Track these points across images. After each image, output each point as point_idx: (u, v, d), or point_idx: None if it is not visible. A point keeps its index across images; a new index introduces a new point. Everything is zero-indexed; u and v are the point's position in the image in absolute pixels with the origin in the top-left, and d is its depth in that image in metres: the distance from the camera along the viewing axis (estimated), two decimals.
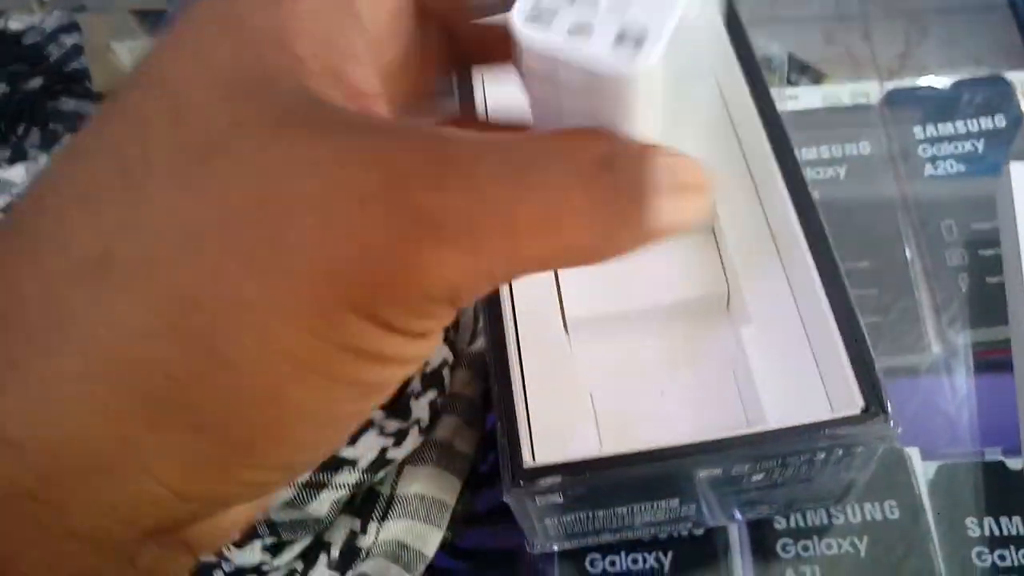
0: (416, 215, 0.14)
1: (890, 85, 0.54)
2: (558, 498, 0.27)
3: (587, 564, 0.36)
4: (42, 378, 0.13)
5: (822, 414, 0.29)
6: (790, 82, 0.56)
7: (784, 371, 0.30)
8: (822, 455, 0.27)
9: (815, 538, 0.38)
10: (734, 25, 0.36)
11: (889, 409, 0.26)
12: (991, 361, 0.44)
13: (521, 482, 0.26)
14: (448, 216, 0.14)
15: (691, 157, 0.17)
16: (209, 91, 0.15)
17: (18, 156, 0.43)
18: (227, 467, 0.15)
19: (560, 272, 0.34)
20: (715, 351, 0.34)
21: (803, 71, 0.61)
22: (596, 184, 0.15)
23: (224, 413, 0.14)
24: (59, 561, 0.14)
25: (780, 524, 0.37)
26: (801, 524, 0.37)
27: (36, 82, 0.46)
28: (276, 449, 0.15)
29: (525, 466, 0.27)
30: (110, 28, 0.55)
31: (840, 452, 0.27)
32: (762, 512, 0.33)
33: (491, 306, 0.31)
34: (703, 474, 0.27)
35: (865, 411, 0.26)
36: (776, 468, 0.28)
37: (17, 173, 0.39)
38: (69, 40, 0.47)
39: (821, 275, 0.29)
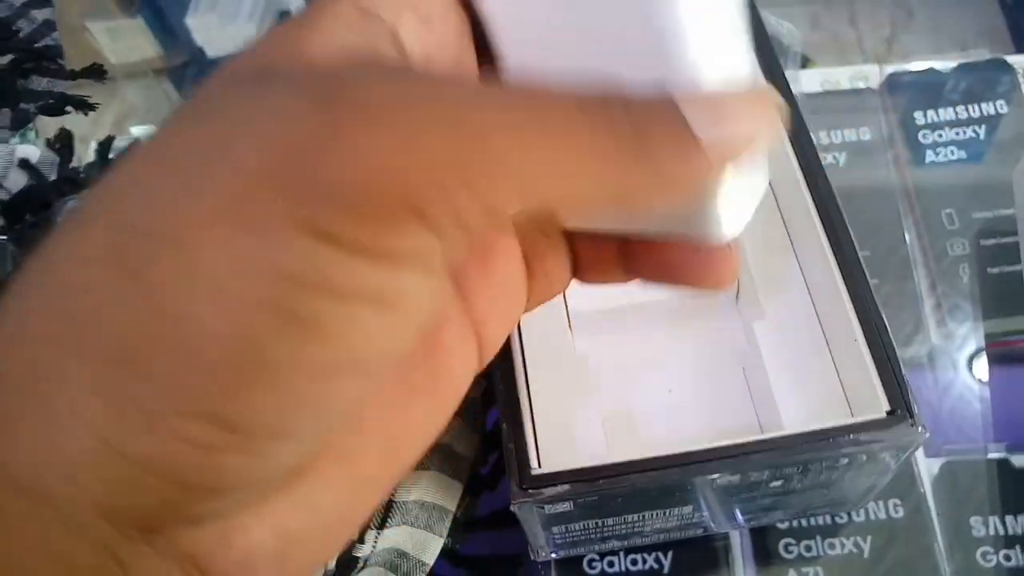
0: (345, 94, 0.13)
1: (889, 69, 0.52)
2: (568, 506, 0.26)
3: (585, 566, 0.35)
4: None
5: (840, 416, 0.28)
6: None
7: (799, 369, 0.29)
8: (844, 461, 0.26)
9: (818, 538, 0.37)
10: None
11: (916, 412, 0.25)
12: (1000, 353, 0.43)
13: (529, 490, 0.25)
14: (378, 92, 0.13)
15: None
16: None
17: None
18: (161, 413, 0.13)
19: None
20: (724, 347, 0.32)
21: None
22: (608, 112, 0.14)
23: (147, 347, 0.13)
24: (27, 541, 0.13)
25: (783, 524, 0.36)
26: (804, 524, 0.36)
27: (4, 59, 0.43)
28: (221, 402, 0.13)
29: (533, 473, 0.25)
30: (85, 6, 0.53)
31: (864, 458, 0.26)
32: (776, 518, 0.32)
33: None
34: (720, 481, 0.26)
35: (891, 414, 0.25)
36: (796, 475, 0.26)
37: None
38: (40, 15, 0.44)
39: (841, 268, 0.28)
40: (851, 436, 0.25)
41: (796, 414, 0.28)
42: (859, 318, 0.27)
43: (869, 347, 0.26)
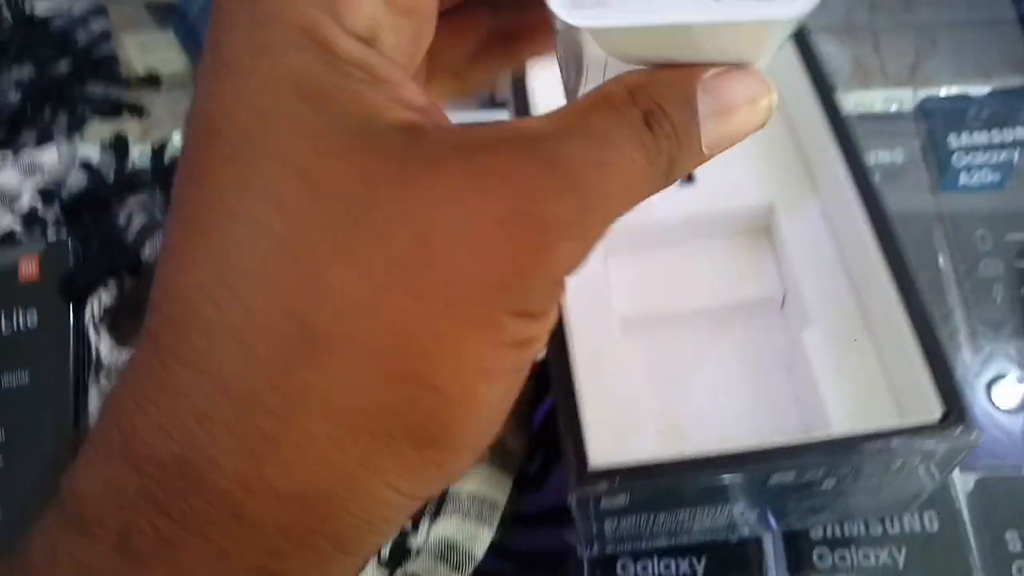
0: (542, 223, 0.16)
1: (923, 93, 0.53)
2: (624, 500, 0.26)
3: (619, 569, 0.35)
4: (296, 444, 0.16)
5: (890, 419, 0.28)
6: None
7: (848, 375, 0.29)
8: (898, 463, 0.26)
9: (852, 548, 0.37)
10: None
11: (969, 415, 0.25)
12: None
13: (588, 483, 0.26)
14: (565, 216, 0.17)
15: (742, 71, 0.19)
16: (319, 150, 0.16)
17: (45, 138, 0.42)
18: (445, 468, 0.17)
19: (612, 272, 0.33)
20: (769, 353, 0.33)
21: None
22: (649, 142, 0.18)
23: (439, 428, 0.17)
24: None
25: (816, 533, 0.36)
26: (838, 534, 0.36)
27: (63, 66, 0.45)
28: (474, 442, 0.18)
29: (592, 466, 0.26)
30: (120, 19, 0.54)
31: (917, 460, 0.26)
32: (822, 520, 0.32)
33: None
34: (775, 480, 0.26)
35: (945, 418, 0.26)
36: (849, 475, 0.27)
37: (49, 157, 0.38)
38: (98, 25, 0.45)
39: (893, 274, 0.28)
40: (906, 437, 0.25)
41: (845, 418, 0.28)
42: (911, 321, 0.27)
43: (922, 349, 0.27)
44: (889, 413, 0.28)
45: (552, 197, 0.16)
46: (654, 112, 0.18)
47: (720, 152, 0.19)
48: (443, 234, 0.16)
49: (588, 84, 0.19)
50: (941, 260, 0.47)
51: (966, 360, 0.44)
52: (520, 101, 0.34)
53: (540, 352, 0.19)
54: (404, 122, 0.17)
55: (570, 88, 0.20)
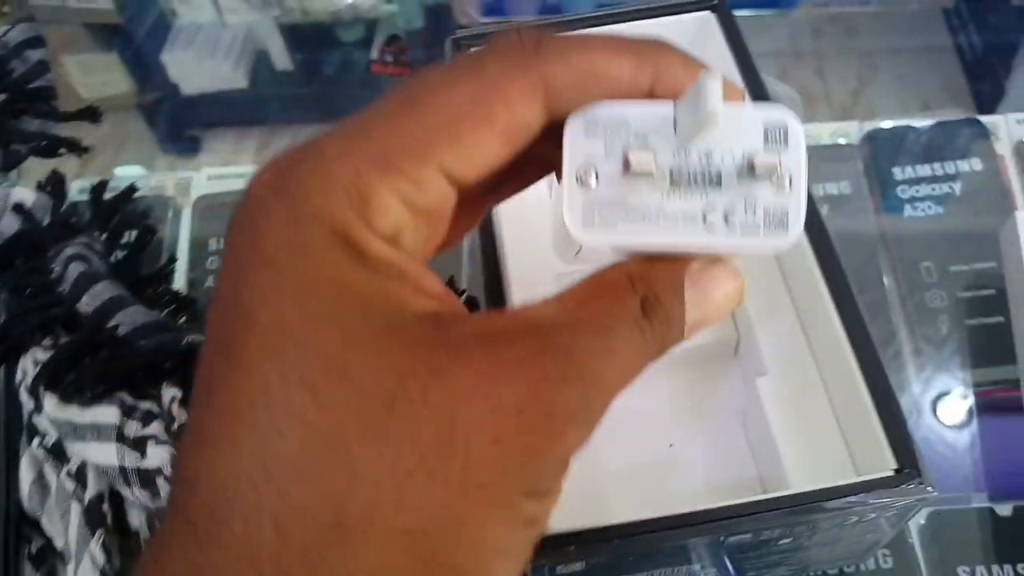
0: (553, 411, 0.18)
1: (868, 125, 0.54)
2: (580, 566, 0.26)
3: None
4: None
5: (844, 471, 0.28)
6: None
7: (803, 425, 0.29)
8: (854, 519, 0.26)
9: None
10: (744, 60, 0.36)
11: (923, 470, 0.25)
12: (985, 403, 0.44)
13: (542, 550, 0.25)
14: (573, 404, 0.18)
15: (719, 265, 0.22)
16: (353, 344, 0.17)
17: None
18: None
19: None
20: (724, 401, 0.33)
21: None
22: (646, 328, 0.20)
23: None
24: None
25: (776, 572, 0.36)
26: (797, 573, 0.36)
27: None
28: None
29: (545, 534, 0.25)
30: (59, 40, 0.52)
31: (872, 515, 0.26)
32: (782, 573, 0.32)
33: None
34: (732, 539, 0.26)
35: (898, 472, 0.26)
36: (805, 532, 0.27)
37: None
38: (34, 55, 0.44)
39: (844, 324, 0.28)
40: (860, 494, 0.25)
41: (800, 470, 0.28)
42: (864, 374, 0.27)
43: (875, 404, 0.27)
44: (844, 464, 0.28)
45: (562, 387, 0.18)
46: (650, 300, 0.20)
47: (698, 332, 0.22)
48: (465, 424, 0.17)
49: (583, 253, 0.22)
50: (886, 282, 0.48)
51: (911, 377, 0.45)
52: None
53: (545, 525, 0.20)
54: (425, 311, 0.19)
55: (561, 249, 0.24)
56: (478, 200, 0.24)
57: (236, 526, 0.17)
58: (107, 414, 0.31)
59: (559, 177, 0.21)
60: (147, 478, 0.30)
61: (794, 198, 0.21)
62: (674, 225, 0.21)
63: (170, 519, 0.18)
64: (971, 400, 0.44)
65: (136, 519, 0.31)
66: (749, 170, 0.20)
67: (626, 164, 0.20)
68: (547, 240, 0.31)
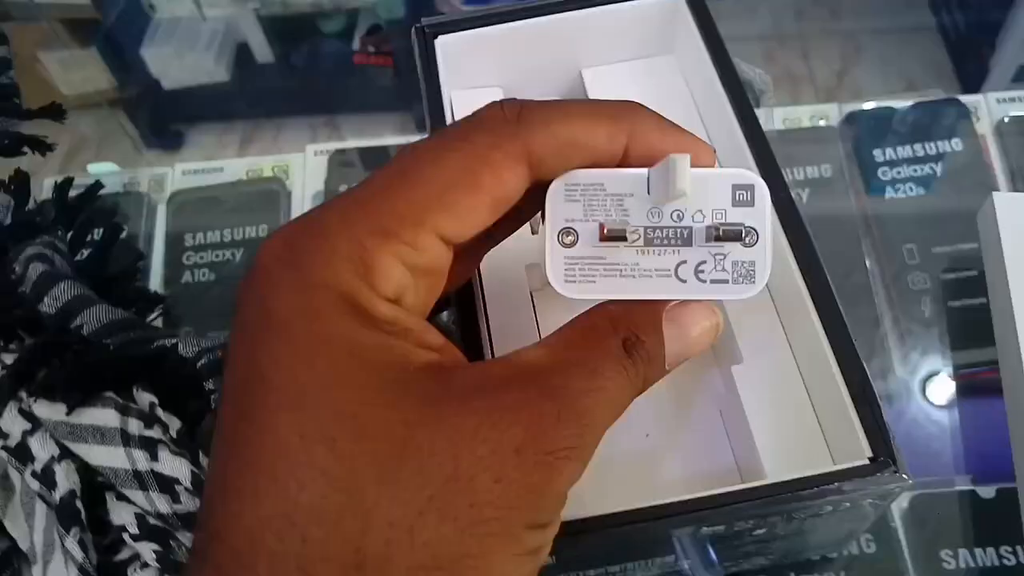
0: (550, 449, 0.20)
1: (848, 108, 0.54)
2: (550, 560, 0.25)
3: None
4: None
5: (821, 460, 0.28)
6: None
7: (778, 413, 0.29)
8: (828, 508, 0.26)
9: (792, 575, 0.37)
10: (715, 45, 0.35)
11: (899, 458, 0.25)
12: (966, 385, 0.44)
13: None
14: (567, 441, 0.20)
15: (695, 304, 0.23)
16: (365, 400, 0.19)
17: None
18: None
19: (538, 309, 0.32)
20: (699, 390, 0.32)
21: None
22: (629, 366, 0.22)
23: None
24: None
25: (738, 566, 0.36)
26: (760, 564, 0.36)
27: None
28: None
29: None
30: (38, 36, 0.51)
31: (847, 505, 0.26)
32: (757, 564, 0.32)
33: (471, 349, 0.29)
34: (705, 530, 0.26)
35: (873, 461, 0.25)
36: (780, 522, 0.26)
37: None
38: None
39: (819, 312, 0.28)
40: (835, 484, 0.25)
41: (776, 458, 0.28)
42: (839, 363, 0.27)
43: (850, 393, 0.26)
44: (820, 453, 0.28)
45: (557, 427, 0.20)
46: (631, 340, 0.22)
47: (678, 365, 0.24)
48: (469, 465, 0.19)
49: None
50: (869, 264, 0.48)
51: (895, 360, 0.45)
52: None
53: (547, 554, 0.21)
54: (429, 363, 0.20)
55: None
56: (471, 253, 0.27)
57: (262, 570, 0.18)
58: (106, 416, 0.31)
59: (543, 221, 0.23)
60: (165, 483, 0.30)
61: (759, 253, 0.22)
62: (649, 280, 0.23)
63: (197, 565, 0.19)
64: (953, 383, 0.43)
65: (121, 518, 0.30)
66: (717, 232, 0.22)
67: (602, 229, 0.22)
68: (517, 258, 0.31)
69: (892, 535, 0.39)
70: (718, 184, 0.22)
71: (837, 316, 0.28)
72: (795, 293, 0.29)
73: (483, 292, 0.30)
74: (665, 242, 0.22)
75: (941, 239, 0.48)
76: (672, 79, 0.39)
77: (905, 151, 0.51)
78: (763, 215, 0.22)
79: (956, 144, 0.51)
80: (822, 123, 0.53)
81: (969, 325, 0.45)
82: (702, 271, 0.23)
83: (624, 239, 0.22)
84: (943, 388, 0.44)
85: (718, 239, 0.22)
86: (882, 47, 0.78)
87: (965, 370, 0.44)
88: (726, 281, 0.23)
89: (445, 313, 0.31)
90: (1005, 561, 0.38)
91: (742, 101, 0.33)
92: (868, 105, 0.54)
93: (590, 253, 0.23)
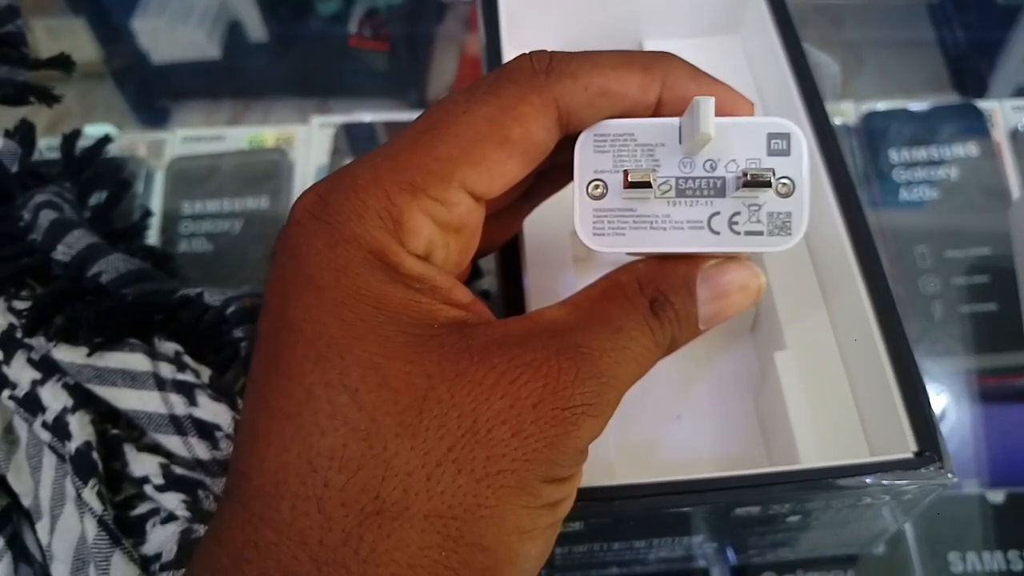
0: (568, 405, 0.20)
1: (865, 107, 0.53)
2: (579, 526, 0.25)
3: None
4: None
5: (857, 452, 0.27)
6: None
7: (818, 402, 0.28)
8: (867, 499, 0.25)
9: (799, 572, 0.36)
10: (786, 28, 0.34)
11: (945, 455, 0.24)
12: (984, 391, 0.43)
13: None
14: (586, 397, 0.20)
15: (734, 263, 0.23)
16: (388, 352, 0.20)
17: None
18: None
19: (581, 277, 0.32)
20: (735, 375, 0.32)
21: None
22: (655, 327, 0.22)
23: None
24: None
25: (764, 557, 0.35)
26: (786, 556, 0.35)
27: None
28: None
29: None
30: (29, 3, 0.50)
31: (886, 497, 0.25)
32: (783, 556, 0.31)
33: (512, 314, 0.28)
34: (740, 511, 0.25)
35: (919, 455, 0.24)
36: (816, 510, 0.26)
37: None
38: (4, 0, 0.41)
39: (875, 303, 0.27)
40: (877, 474, 0.24)
41: (811, 447, 0.27)
42: (889, 354, 0.26)
43: (899, 384, 0.25)
44: (858, 445, 0.27)
45: (575, 384, 0.20)
46: (659, 301, 0.22)
47: (714, 327, 0.23)
48: (487, 419, 0.19)
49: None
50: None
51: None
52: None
53: (569, 508, 0.21)
54: (454, 320, 0.21)
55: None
56: (512, 210, 0.27)
57: (285, 511, 0.19)
58: (135, 360, 0.29)
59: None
60: (205, 429, 0.29)
61: (796, 203, 0.22)
62: (680, 232, 0.22)
63: (227, 504, 0.20)
64: (964, 388, 0.43)
65: (144, 468, 0.29)
66: (745, 177, 0.21)
67: (625, 176, 0.21)
68: (562, 225, 0.30)
69: (901, 537, 0.39)
70: (752, 132, 0.22)
71: (890, 305, 0.27)
72: (847, 278, 0.28)
73: (525, 258, 0.29)
74: (698, 193, 0.22)
75: (954, 243, 0.48)
76: (736, 61, 0.38)
77: (920, 154, 0.51)
78: (799, 164, 0.21)
79: (971, 149, 0.51)
80: (839, 121, 0.53)
81: (980, 330, 0.45)
82: (736, 222, 0.22)
83: (648, 186, 0.21)
84: (952, 393, 0.44)
85: (747, 184, 0.21)
86: (883, 58, 0.78)
87: (975, 375, 0.44)
88: (761, 233, 0.22)
89: (487, 279, 0.30)
90: (1013, 566, 0.38)
91: (811, 90, 0.32)
92: (885, 106, 0.53)
93: (619, 205, 0.22)
